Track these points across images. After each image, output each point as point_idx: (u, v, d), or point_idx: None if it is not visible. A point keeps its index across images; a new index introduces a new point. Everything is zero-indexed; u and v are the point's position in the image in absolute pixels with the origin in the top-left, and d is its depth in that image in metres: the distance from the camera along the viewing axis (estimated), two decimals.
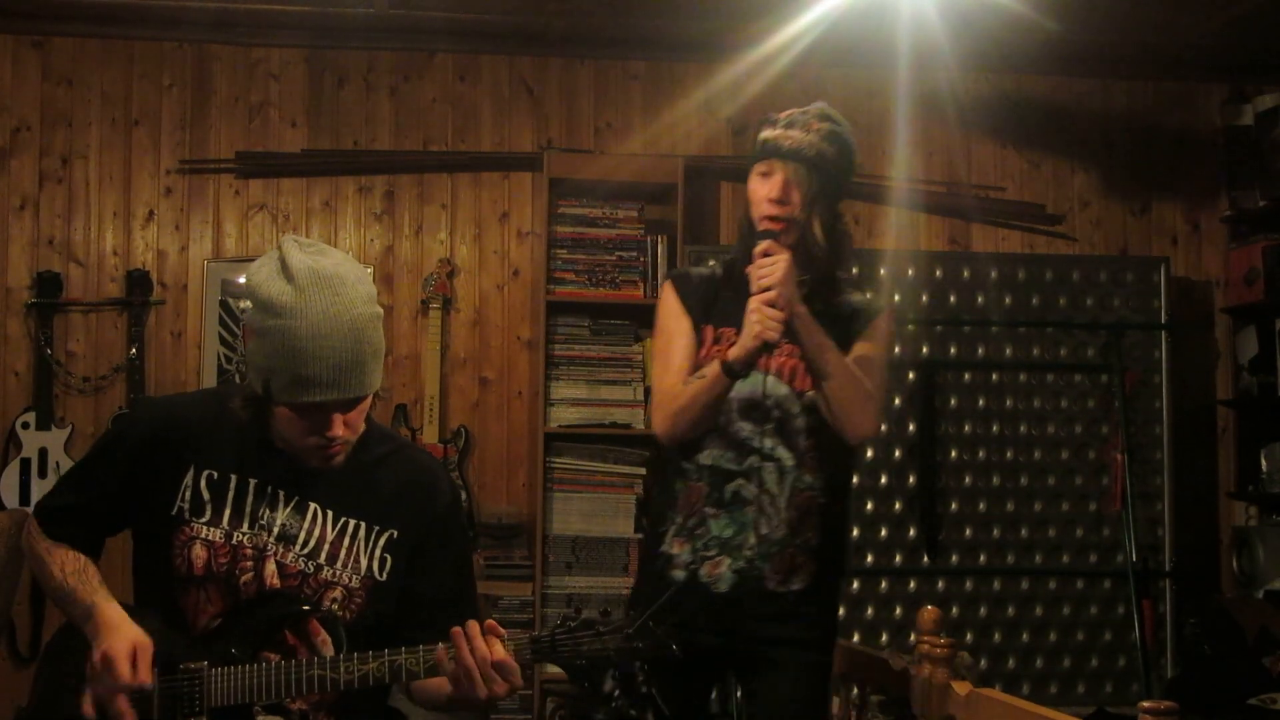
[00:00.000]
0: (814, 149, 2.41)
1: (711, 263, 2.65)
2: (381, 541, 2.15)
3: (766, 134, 2.44)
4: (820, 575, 2.46)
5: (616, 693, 1.98)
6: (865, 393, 2.38)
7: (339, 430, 2.03)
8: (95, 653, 1.96)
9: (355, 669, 1.98)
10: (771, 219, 2.39)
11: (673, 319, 2.51)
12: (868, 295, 2.58)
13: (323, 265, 1.99)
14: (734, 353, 2.32)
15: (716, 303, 2.49)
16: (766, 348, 2.30)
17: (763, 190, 2.42)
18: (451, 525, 2.27)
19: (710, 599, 2.39)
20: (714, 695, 2.41)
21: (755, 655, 2.45)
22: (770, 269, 2.30)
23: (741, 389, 2.39)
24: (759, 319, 2.28)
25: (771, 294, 2.29)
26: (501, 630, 1.97)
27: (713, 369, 2.35)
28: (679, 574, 2.44)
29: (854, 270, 2.48)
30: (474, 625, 1.96)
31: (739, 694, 2.49)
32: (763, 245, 2.34)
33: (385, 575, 2.14)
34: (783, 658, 2.44)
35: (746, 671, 2.50)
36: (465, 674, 1.94)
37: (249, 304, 2.02)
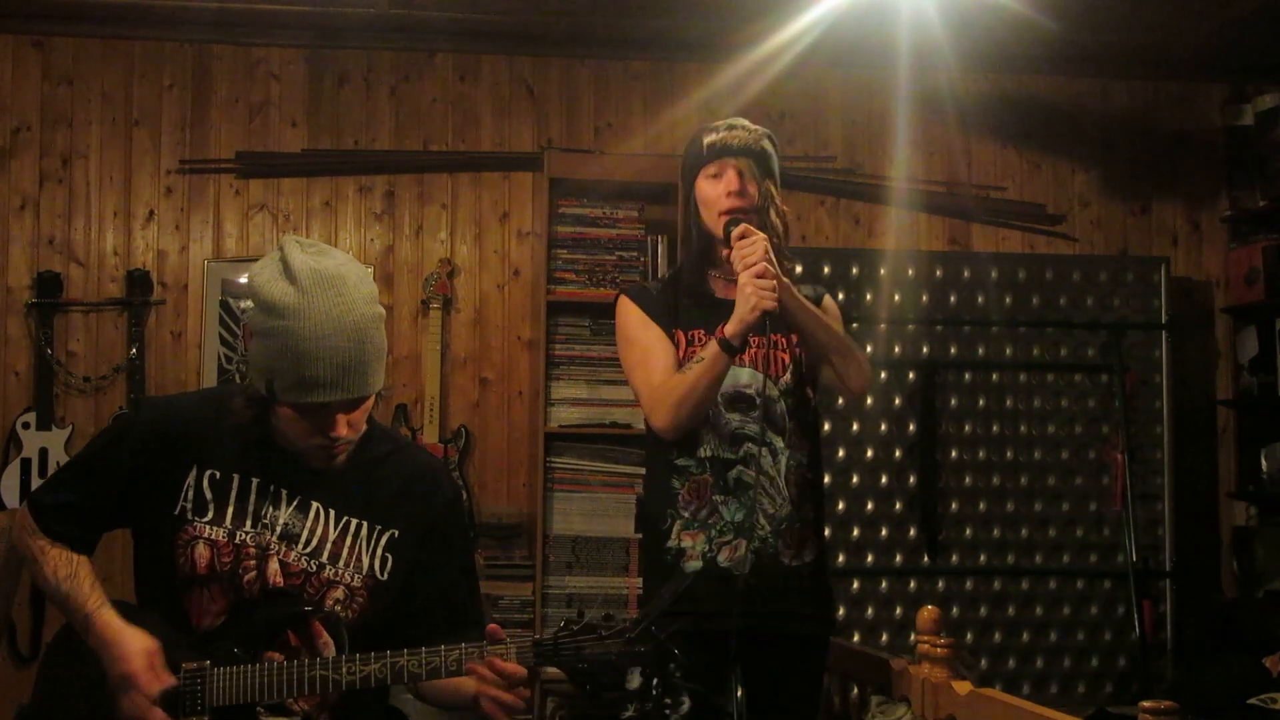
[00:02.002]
0: (758, 144, 2.60)
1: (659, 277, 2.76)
2: (383, 541, 2.15)
3: (711, 139, 2.60)
4: (823, 545, 2.64)
5: (622, 695, 1.99)
6: (854, 347, 2.58)
7: (342, 430, 2.03)
8: (113, 671, 1.97)
9: (357, 670, 1.98)
10: (734, 210, 2.53)
11: (642, 328, 2.61)
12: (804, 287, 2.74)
13: (325, 266, 1.99)
14: (730, 328, 2.41)
15: (677, 310, 2.62)
16: (765, 318, 2.40)
17: (717, 189, 2.57)
18: (453, 525, 2.27)
19: (731, 583, 2.46)
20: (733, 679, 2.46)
21: (776, 632, 2.54)
22: (751, 247, 2.42)
23: (724, 385, 2.50)
24: (753, 291, 2.38)
25: (758, 267, 2.40)
26: (503, 634, 1.98)
27: (710, 349, 2.44)
28: (694, 564, 2.51)
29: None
30: (481, 668, 1.97)
31: (739, 676, 2.56)
32: (740, 228, 2.46)
33: (386, 575, 2.15)
34: (807, 632, 2.58)
35: (763, 649, 2.55)
36: (490, 701, 1.97)
37: (250, 304, 2.03)
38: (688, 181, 2.65)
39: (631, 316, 2.63)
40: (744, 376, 2.54)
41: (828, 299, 2.73)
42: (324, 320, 1.95)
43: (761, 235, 2.45)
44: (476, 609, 2.26)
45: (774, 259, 2.43)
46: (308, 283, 1.97)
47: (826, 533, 2.79)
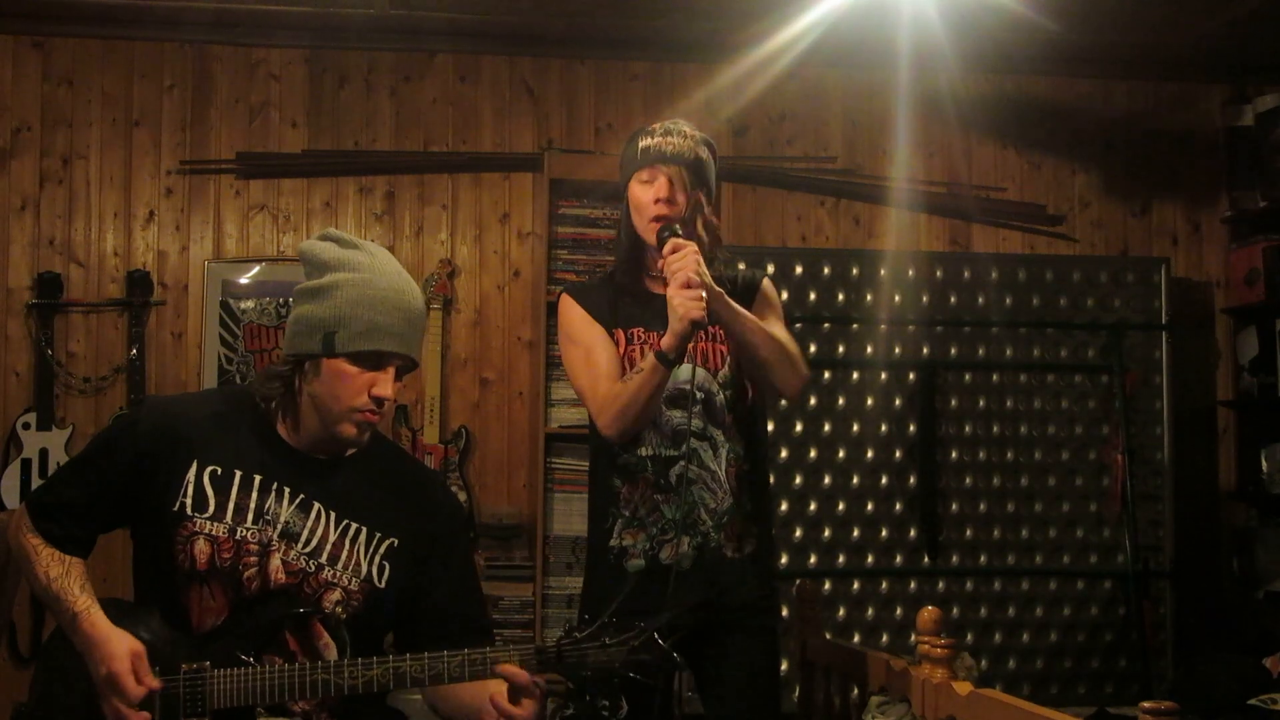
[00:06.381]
0: (692, 152, 2.61)
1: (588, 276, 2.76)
2: (382, 549, 2.16)
3: (646, 143, 2.62)
4: (764, 537, 2.66)
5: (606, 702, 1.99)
6: (786, 349, 2.57)
7: (389, 391, 2.06)
8: (97, 673, 1.96)
9: (359, 674, 1.98)
10: (662, 218, 2.55)
11: (585, 328, 2.64)
12: (741, 266, 2.76)
13: (368, 244, 2.15)
14: (666, 342, 2.45)
15: (618, 308, 2.65)
16: (696, 327, 2.42)
17: (648, 194, 2.59)
18: (458, 537, 2.30)
19: (673, 580, 2.48)
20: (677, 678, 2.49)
21: (725, 625, 2.57)
22: (681, 260, 2.44)
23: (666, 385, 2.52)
24: (680, 303, 2.40)
25: (681, 276, 2.42)
26: (519, 668, 1.98)
27: (648, 361, 2.47)
28: (637, 563, 2.56)
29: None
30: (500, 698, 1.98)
31: (683, 673, 2.59)
32: (670, 243, 2.49)
33: (384, 583, 2.15)
34: (751, 623, 2.59)
35: (711, 644, 2.58)
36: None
37: (301, 278, 2.13)
38: (623, 181, 2.67)
39: (574, 315, 2.66)
40: (684, 373, 2.55)
41: (766, 283, 2.73)
42: (394, 276, 2.09)
43: (691, 246, 2.46)
44: (485, 617, 2.28)
45: (703, 270, 2.45)
46: (369, 248, 2.12)
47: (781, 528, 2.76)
